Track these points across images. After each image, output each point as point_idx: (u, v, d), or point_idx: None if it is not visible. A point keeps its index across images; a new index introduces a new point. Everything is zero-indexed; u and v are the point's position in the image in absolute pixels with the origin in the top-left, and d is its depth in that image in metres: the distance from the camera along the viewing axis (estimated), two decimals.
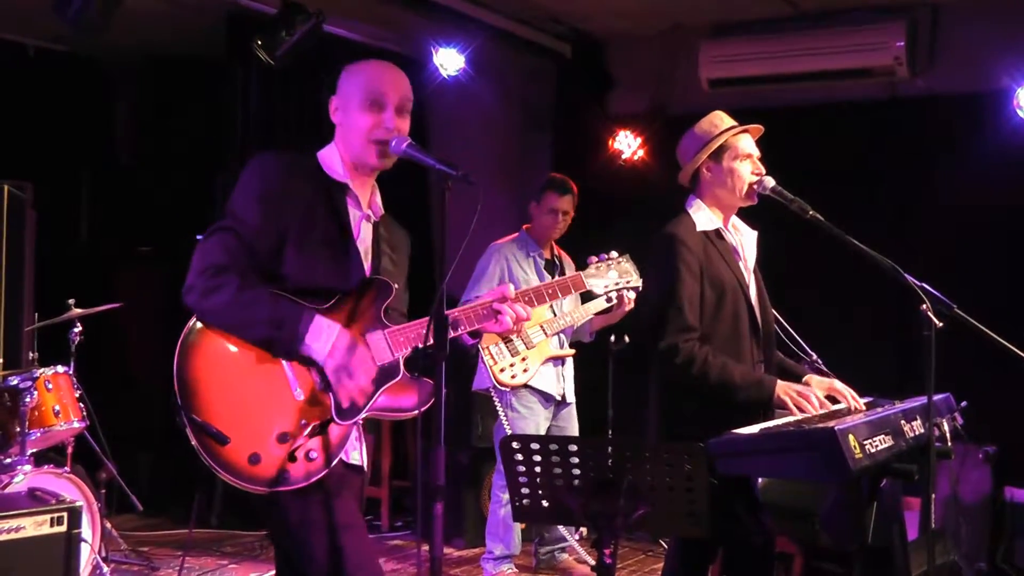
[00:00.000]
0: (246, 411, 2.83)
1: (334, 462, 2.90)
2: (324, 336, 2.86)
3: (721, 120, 3.98)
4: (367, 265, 3.05)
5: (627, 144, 7.33)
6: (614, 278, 3.38)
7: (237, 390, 2.84)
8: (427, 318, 2.85)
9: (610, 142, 7.36)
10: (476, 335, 3.12)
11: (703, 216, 3.91)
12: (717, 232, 3.91)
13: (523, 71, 7.73)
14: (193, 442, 2.80)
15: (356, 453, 3.03)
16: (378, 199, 3.13)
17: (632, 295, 5.64)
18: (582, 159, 7.30)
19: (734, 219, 4.02)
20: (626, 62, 7.52)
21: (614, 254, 3.42)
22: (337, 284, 2.95)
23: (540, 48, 7.28)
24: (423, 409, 2.85)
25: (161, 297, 7.32)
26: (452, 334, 2.98)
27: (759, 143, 3.98)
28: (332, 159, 3.06)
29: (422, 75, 6.95)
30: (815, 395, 3.69)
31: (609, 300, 3.43)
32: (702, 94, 6.94)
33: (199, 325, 2.86)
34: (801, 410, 3.64)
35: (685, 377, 3.70)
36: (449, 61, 6.81)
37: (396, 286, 3.03)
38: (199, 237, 2.97)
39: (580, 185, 5.88)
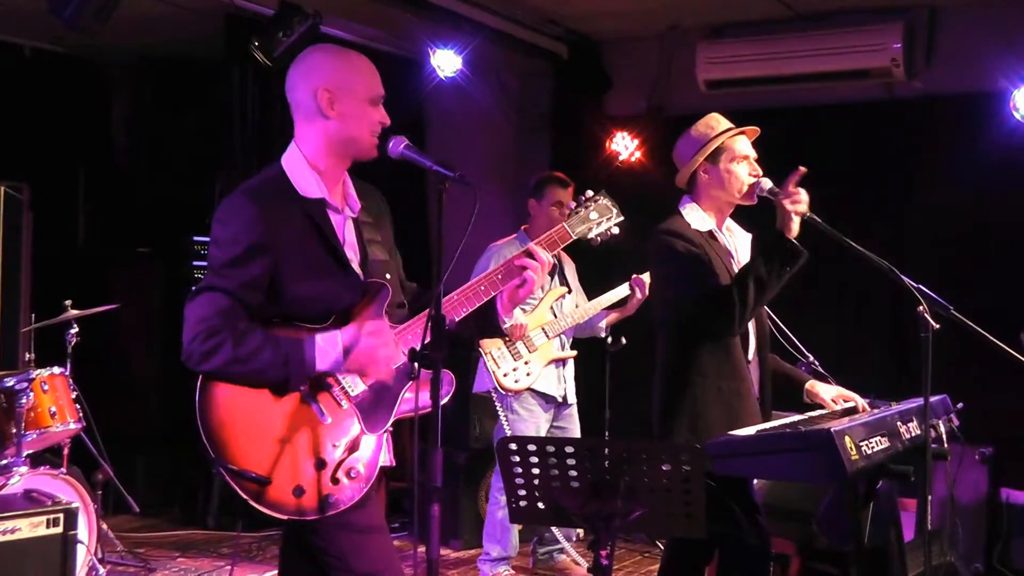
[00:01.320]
0: (279, 448, 2.82)
1: (375, 474, 2.90)
2: (329, 350, 2.85)
3: (717, 122, 3.98)
4: (358, 262, 3.02)
5: (624, 145, 7.32)
6: (596, 219, 3.29)
7: (265, 430, 2.83)
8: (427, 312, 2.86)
9: (607, 143, 7.35)
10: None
11: (696, 217, 3.92)
12: (710, 233, 3.92)
13: (520, 72, 7.73)
14: (236, 490, 2.79)
15: (384, 453, 3.02)
16: (351, 189, 3.08)
17: (630, 292, 5.68)
18: (579, 160, 7.30)
19: (728, 221, 4.03)
20: (623, 63, 7.52)
21: (589, 193, 3.33)
22: (338, 304, 2.94)
23: (537, 49, 7.28)
24: (446, 401, 2.83)
25: (159, 298, 7.31)
26: (478, 303, 3.00)
27: (755, 144, 3.99)
28: (300, 169, 2.97)
29: (419, 76, 6.95)
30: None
31: (596, 244, 3.30)
32: (699, 95, 6.94)
33: (208, 379, 2.84)
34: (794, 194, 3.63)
35: (733, 306, 3.66)
36: (446, 62, 6.81)
37: (388, 278, 3.01)
38: (196, 240, 2.97)
39: (577, 186, 5.88)
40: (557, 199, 5.74)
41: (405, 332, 2.98)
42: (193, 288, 2.93)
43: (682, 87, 7.16)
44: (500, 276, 3.05)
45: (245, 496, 2.78)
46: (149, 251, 7.88)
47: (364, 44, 6.88)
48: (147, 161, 8.22)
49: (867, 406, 3.84)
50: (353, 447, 2.88)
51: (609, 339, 6.13)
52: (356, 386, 2.93)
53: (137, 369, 7.81)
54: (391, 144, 2.96)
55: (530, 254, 3.07)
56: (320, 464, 2.84)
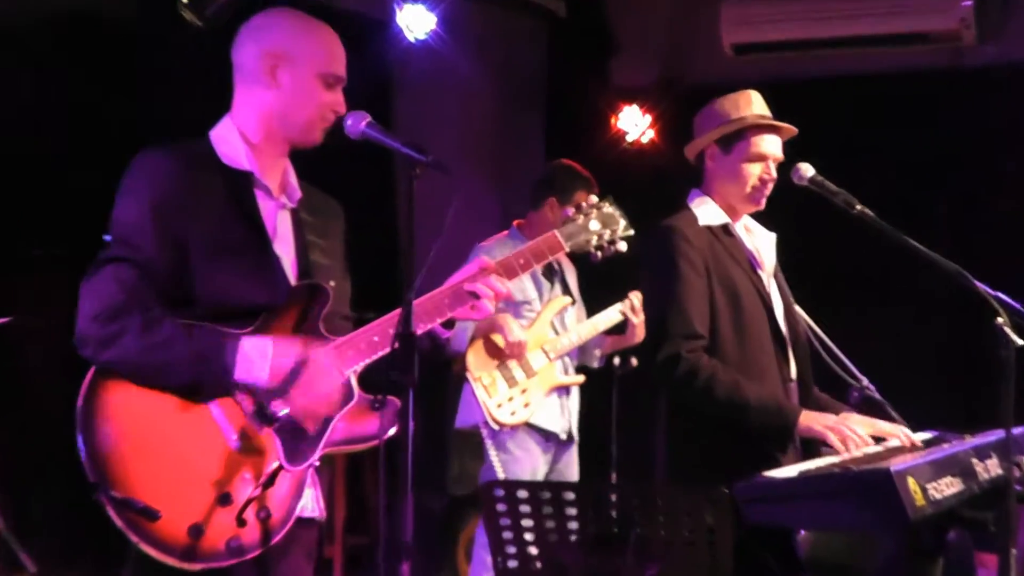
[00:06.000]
0: (175, 475, 2.81)
1: (293, 517, 2.89)
2: (257, 359, 2.86)
3: (748, 104, 4.00)
4: (292, 267, 3.06)
5: (633, 122, 7.34)
6: (597, 229, 3.29)
7: (160, 451, 2.83)
8: (376, 322, 2.94)
9: (613, 120, 7.38)
10: (450, 325, 3.12)
11: (707, 210, 3.96)
12: (725, 228, 3.94)
13: (508, 34, 7.75)
14: (119, 523, 2.77)
15: (309, 501, 3.01)
16: (293, 179, 3.14)
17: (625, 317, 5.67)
18: (579, 141, 7.31)
19: (747, 220, 4.06)
20: (633, 23, 7.55)
21: (592, 199, 3.34)
22: (260, 299, 2.95)
23: (529, 6, 7.30)
24: (389, 435, 2.83)
25: (66, 310, 7.27)
26: (418, 330, 2.99)
27: (793, 119, 3.99)
28: (230, 140, 3.07)
29: (384, 39, 6.95)
30: (854, 429, 3.69)
31: (596, 260, 3.33)
32: (724, 62, 6.97)
33: (100, 379, 2.85)
34: (843, 442, 3.65)
35: (687, 393, 3.73)
36: (417, 21, 6.80)
37: (332, 285, 3.03)
38: (106, 238, 2.95)
39: None
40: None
41: (346, 347, 2.98)
42: (94, 261, 2.95)
43: (703, 52, 7.20)
44: (447, 301, 3.06)
45: (129, 532, 2.76)
46: (55, 252, 7.86)
47: (317, 1, 6.88)
48: (51, 143, 8.20)
49: (912, 437, 3.83)
50: (268, 482, 2.86)
51: (617, 360, 6.11)
52: (279, 406, 2.91)
53: (39, 394, 7.78)
54: (350, 121, 2.99)
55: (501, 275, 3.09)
56: (225, 499, 2.83)
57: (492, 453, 5.55)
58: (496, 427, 5.49)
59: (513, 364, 5.50)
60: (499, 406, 5.47)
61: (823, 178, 3.87)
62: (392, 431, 2.84)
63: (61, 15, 7.86)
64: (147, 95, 7.06)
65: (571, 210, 3.33)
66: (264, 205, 3.05)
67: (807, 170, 3.89)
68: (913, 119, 6.75)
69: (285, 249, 3.07)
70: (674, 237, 3.85)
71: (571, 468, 5.81)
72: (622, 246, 3.34)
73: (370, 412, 2.96)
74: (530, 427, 5.56)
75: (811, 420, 3.68)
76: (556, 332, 5.66)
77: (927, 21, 6.55)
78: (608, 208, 3.32)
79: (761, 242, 4.06)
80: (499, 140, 7.86)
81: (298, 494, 2.91)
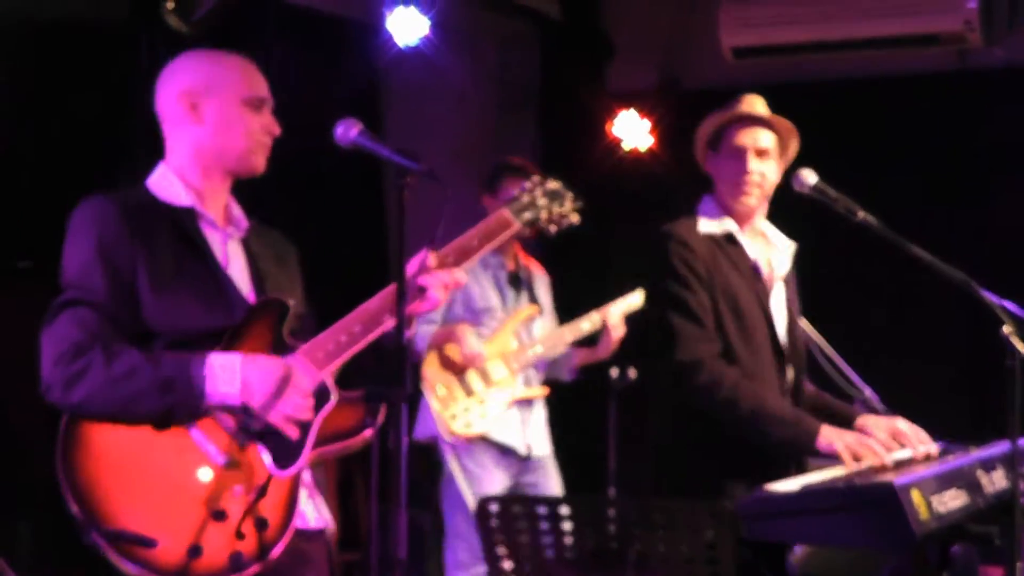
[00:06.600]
0: (165, 500, 2.84)
1: (292, 523, 2.92)
2: (226, 375, 2.90)
3: (739, 103, 4.03)
4: (249, 293, 3.11)
5: (630, 129, 7.33)
6: (545, 204, 3.35)
7: (146, 479, 2.86)
8: (341, 322, 2.98)
9: (609, 126, 7.37)
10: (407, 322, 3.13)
11: (711, 216, 3.97)
12: (728, 237, 3.96)
13: (501, 38, 7.75)
14: (114, 557, 2.79)
15: (310, 512, 3.05)
16: (237, 211, 3.20)
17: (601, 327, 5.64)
18: (573, 148, 7.31)
19: (764, 226, 4.06)
20: (630, 25, 7.55)
21: (536, 178, 3.40)
22: (219, 323, 3.00)
23: (522, 8, 7.30)
24: (377, 425, 2.85)
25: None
26: (377, 332, 3.03)
27: (798, 124, 4.00)
28: (167, 183, 3.11)
29: (374, 44, 6.95)
30: (878, 443, 3.70)
31: (550, 234, 3.36)
32: (724, 65, 6.97)
33: (74, 420, 2.87)
34: (858, 460, 3.65)
35: (708, 402, 3.74)
36: (408, 26, 6.80)
37: (292, 302, 3.07)
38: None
39: (570, 180, 5.87)
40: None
41: (315, 350, 3.02)
42: (50, 308, 2.97)
43: (703, 55, 7.19)
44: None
45: (127, 566, 2.78)
46: (32, 265, 7.85)
47: (303, 6, 6.90)
48: (29, 151, 8.18)
49: (932, 451, 3.85)
50: (261, 493, 2.89)
51: (615, 372, 6.07)
52: (257, 419, 2.95)
53: (17, 413, 7.76)
54: (340, 130, 3.01)
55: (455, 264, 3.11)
56: (219, 515, 2.86)
57: (456, 468, 5.45)
58: (450, 438, 5.39)
59: (471, 374, 5.44)
60: (454, 417, 5.39)
61: (825, 184, 3.89)
62: (378, 420, 2.86)
63: (47, 21, 7.86)
64: (131, 104, 7.05)
65: (516, 191, 3.36)
66: (211, 236, 3.10)
67: (809, 176, 3.90)
68: (919, 122, 6.77)
69: (239, 276, 3.12)
70: (673, 243, 3.88)
71: (546, 482, 5.68)
72: (575, 218, 3.39)
73: (351, 407, 3.00)
74: (487, 442, 5.47)
75: (832, 436, 3.69)
76: (521, 343, 5.62)
77: (932, 22, 6.55)
78: (552, 184, 3.39)
79: (775, 250, 4.08)
80: (491, 147, 7.85)
81: (293, 500, 2.94)
